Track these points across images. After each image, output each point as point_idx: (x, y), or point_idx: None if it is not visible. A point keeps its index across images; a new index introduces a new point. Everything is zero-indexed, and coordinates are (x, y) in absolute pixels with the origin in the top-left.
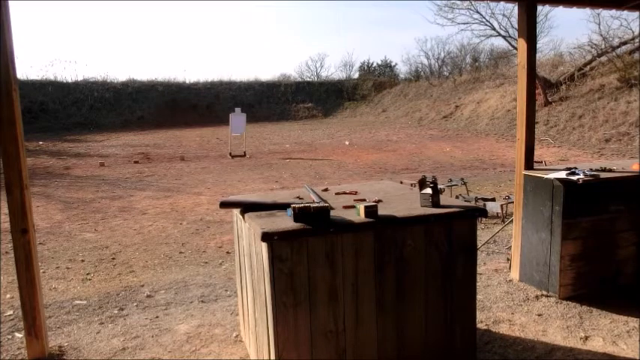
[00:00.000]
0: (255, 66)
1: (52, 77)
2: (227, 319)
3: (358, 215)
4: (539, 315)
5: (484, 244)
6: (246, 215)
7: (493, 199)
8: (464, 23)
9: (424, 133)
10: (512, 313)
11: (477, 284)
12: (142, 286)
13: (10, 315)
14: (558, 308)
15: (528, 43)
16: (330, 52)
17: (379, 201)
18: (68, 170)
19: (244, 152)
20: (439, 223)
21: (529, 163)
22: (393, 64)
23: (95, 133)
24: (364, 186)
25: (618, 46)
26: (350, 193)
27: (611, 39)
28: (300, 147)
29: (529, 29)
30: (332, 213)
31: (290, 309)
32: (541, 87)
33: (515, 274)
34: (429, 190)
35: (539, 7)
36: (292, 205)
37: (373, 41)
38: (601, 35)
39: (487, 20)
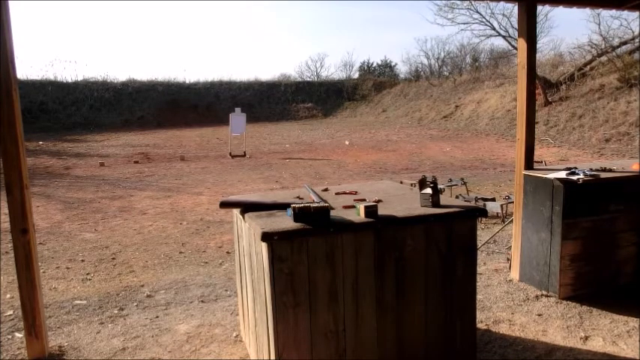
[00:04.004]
0: (255, 66)
1: (52, 77)
2: (227, 319)
3: (358, 215)
4: (539, 315)
5: (484, 244)
6: (246, 215)
7: (493, 199)
8: (464, 23)
9: (424, 133)
10: (512, 313)
11: (477, 284)
12: (142, 286)
13: (10, 315)
14: (558, 308)
15: (528, 43)
16: (330, 52)
17: (379, 201)
18: (68, 170)
19: (244, 152)
20: (439, 223)
21: (529, 163)
22: (393, 64)
23: (95, 133)
24: (364, 186)
25: (618, 46)
26: (350, 193)
27: (611, 39)
28: (300, 147)
29: (529, 29)
30: (332, 213)
31: (290, 309)
32: (541, 87)
33: (515, 274)
34: (429, 190)
35: (539, 7)
36: (292, 205)
37: (373, 41)
38: (601, 35)
39: (487, 20)
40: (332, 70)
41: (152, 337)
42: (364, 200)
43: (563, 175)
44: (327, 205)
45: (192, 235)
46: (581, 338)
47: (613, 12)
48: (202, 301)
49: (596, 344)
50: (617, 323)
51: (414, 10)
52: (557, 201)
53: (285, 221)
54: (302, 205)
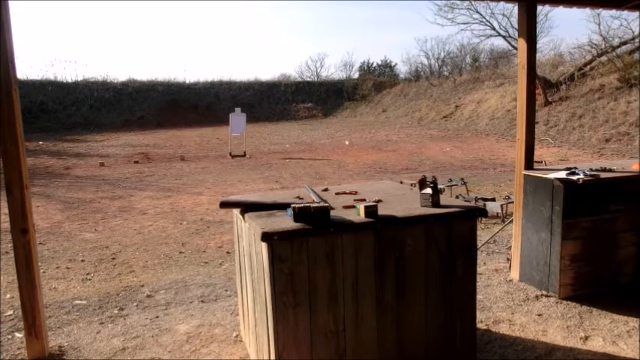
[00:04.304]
0: (255, 66)
1: (52, 77)
2: (227, 319)
3: (358, 215)
4: (539, 315)
5: (484, 244)
6: (246, 215)
7: (493, 199)
8: (464, 23)
9: (424, 133)
10: (512, 313)
11: (477, 284)
12: (142, 286)
13: (10, 315)
14: (558, 308)
15: (528, 43)
16: (330, 52)
17: (379, 201)
18: (68, 170)
19: (244, 152)
20: (439, 223)
21: (529, 163)
22: (393, 64)
23: (95, 133)
24: (364, 186)
25: (618, 46)
26: (350, 193)
27: (611, 39)
28: (300, 147)
29: (529, 29)
30: (332, 213)
31: (290, 309)
32: (541, 87)
33: (515, 274)
34: (429, 190)
35: (539, 7)
36: (292, 205)
37: (373, 41)
38: (601, 35)
39: (487, 20)
40: (332, 70)
41: (152, 337)
42: (364, 200)
43: (563, 175)
44: (327, 205)
45: (192, 235)
46: (581, 338)
47: (613, 12)
48: (202, 301)
49: (596, 344)
50: (617, 323)
51: (414, 10)
52: (557, 201)
53: (285, 221)
54: (302, 205)
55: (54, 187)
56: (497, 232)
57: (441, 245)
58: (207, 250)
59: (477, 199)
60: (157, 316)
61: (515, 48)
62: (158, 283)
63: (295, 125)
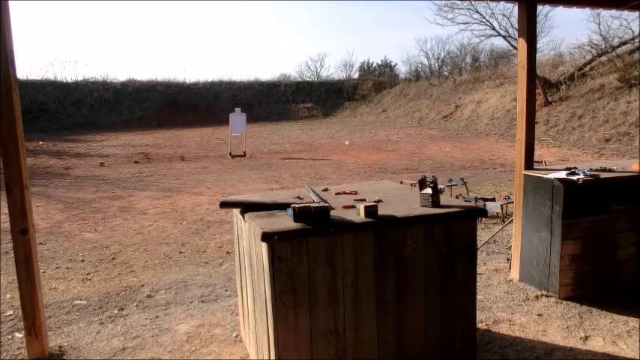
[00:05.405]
0: (255, 66)
1: (52, 77)
2: (227, 319)
3: (358, 215)
4: (539, 315)
5: (484, 244)
6: (246, 215)
7: (493, 199)
8: (464, 23)
9: (424, 133)
10: (512, 313)
11: (477, 284)
12: (142, 286)
13: (10, 315)
14: (558, 308)
15: (528, 43)
16: (330, 52)
17: (379, 201)
18: (68, 170)
19: (244, 152)
20: (439, 223)
21: (529, 163)
22: (393, 64)
23: (95, 133)
24: (364, 186)
25: (618, 46)
26: (350, 193)
27: (611, 39)
28: (300, 147)
29: (529, 29)
30: (332, 213)
31: (290, 309)
32: (541, 87)
33: (515, 274)
34: (429, 190)
35: (539, 7)
36: (292, 205)
37: (373, 41)
38: (601, 35)
39: (487, 20)
40: (332, 70)
41: (152, 337)
42: (364, 200)
43: (563, 175)
44: (327, 205)
45: (192, 235)
46: (581, 338)
47: (613, 12)
48: (202, 301)
49: (596, 344)
50: (617, 323)
51: (414, 10)
52: (557, 201)
53: (285, 221)
54: (302, 205)
55: (54, 187)
56: (497, 232)
57: (441, 245)
58: (207, 250)
59: (477, 199)
60: (157, 316)
61: (515, 48)
62: (158, 283)
63: (295, 125)
